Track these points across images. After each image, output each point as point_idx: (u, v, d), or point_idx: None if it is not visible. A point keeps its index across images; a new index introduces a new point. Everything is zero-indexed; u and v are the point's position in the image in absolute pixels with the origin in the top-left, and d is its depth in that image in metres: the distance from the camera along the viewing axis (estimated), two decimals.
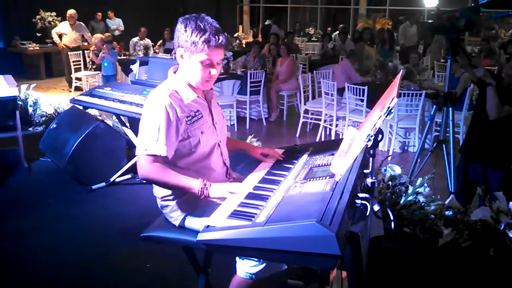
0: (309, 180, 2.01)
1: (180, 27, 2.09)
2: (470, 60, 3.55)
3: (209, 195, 2.05)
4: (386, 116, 1.69)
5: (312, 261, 1.67)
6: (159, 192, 2.28)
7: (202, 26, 2.05)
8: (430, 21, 3.86)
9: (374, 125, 1.73)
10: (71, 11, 10.23)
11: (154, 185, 2.29)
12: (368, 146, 1.78)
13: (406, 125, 6.25)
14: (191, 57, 2.10)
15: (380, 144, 6.44)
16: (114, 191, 4.69)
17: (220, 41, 2.07)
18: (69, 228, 3.91)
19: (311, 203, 1.74)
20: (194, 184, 2.06)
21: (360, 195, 1.83)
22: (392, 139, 6.27)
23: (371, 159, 1.91)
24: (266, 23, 14.80)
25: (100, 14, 12.32)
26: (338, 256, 1.53)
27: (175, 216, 2.24)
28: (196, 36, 2.04)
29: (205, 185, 2.04)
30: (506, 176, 3.66)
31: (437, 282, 2.87)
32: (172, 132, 2.08)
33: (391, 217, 1.88)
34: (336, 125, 6.82)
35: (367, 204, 1.80)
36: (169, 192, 2.23)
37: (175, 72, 2.25)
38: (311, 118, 7.31)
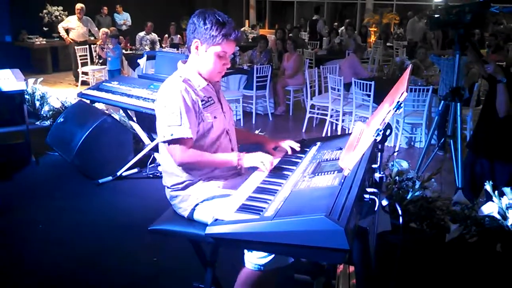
0: (317, 175, 2.01)
1: (197, 20, 2.19)
2: (481, 56, 3.52)
3: (243, 165, 2.22)
4: (396, 111, 1.68)
5: (321, 256, 1.67)
6: (168, 180, 2.32)
7: (221, 20, 2.17)
8: (437, 15, 3.82)
9: (383, 119, 1.73)
10: (79, 5, 10.24)
11: (164, 174, 2.35)
12: (377, 140, 1.77)
13: (413, 120, 6.23)
14: (208, 49, 2.21)
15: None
16: (121, 185, 4.71)
17: (238, 35, 2.22)
18: (76, 222, 3.93)
19: (320, 198, 1.74)
20: (230, 156, 2.24)
21: (369, 189, 1.82)
22: (399, 134, 6.25)
23: (379, 153, 1.91)
24: (314, 18, 14.85)
25: (106, 8, 12.33)
26: (347, 250, 1.53)
27: (184, 206, 2.27)
28: (216, 30, 2.16)
29: (239, 155, 2.20)
30: None
31: (444, 277, 2.87)
32: (192, 114, 2.17)
33: (399, 211, 1.88)
34: (343, 120, 6.81)
35: (376, 199, 1.80)
36: (179, 180, 2.28)
37: (184, 64, 2.34)
38: (318, 113, 7.30)
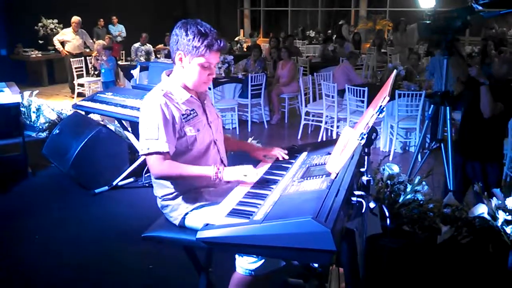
0: (306, 179, 2.05)
1: (180, 31, 2.17)
2: (464, 59, 3.60)
3: (223, 178, 2.14)
4: (379, 115, 1.73)
5: (309, 257, 1.71)
6: (159, 191, 2.34)
7: (203, 31, 2.14)
8: (427, 21, 3.87)
9: (367, 123, 1.77)
10: (76, 18, 10.30)
11: (154, 185, 2.35)
12: (362, 144, 1.81)
13: (407, 125, 6.28)
14: (191, 60, 2.19)
15: (381, 144, 6.54)
16: (116, 194, 4.74)
17: (221, 45, 2.18)
18: (72, 232, 3.96)
19: (308, 201, 1.78)
20: (207, 170, 2.16)
21: (356, 192, 1.86)
22: (393, 139, 6.30)
23: (366, 157, 1.95)
24: (340, 23, 15.03)
25: (102, 20, 12.42)
26: (334, 251, 1.56)
27: (175, 215, 2.30)
28: (199, 40, 2.14)
29: (218, 169, 2.14)
30: (500, 169, 3.77)
31: (436, 278, 2.90)
32: (170, 129, 2.17)
33: (387, 213, 1.92)
34: (337, 127, 6.86)
35: (363, 201, 1.84)
36: (169, 191, 2.30)
37: (168, 75, 2.34)
38: (312, 120, 7.35)
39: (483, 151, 3.73)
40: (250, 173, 2.13)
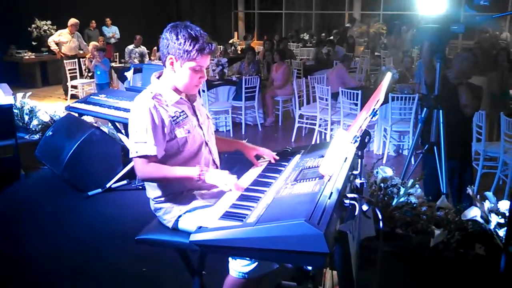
0: (299, 182, 2.05)
1: (170, 35, 2.17)
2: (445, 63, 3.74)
3: (205, 180, 2.14)
4: (372, 118, 1.73)
5: (302, 260, 1.71)
6: (151, 193, 2.33)
7: (194, 35, 2.14)
8: (426, 26, 3.87)
9: (360, 126, 1.78)
10: (73, 21, 10.24)
11: (147, 187, 2.35)
12: (355, 147, 1.82)
13: (400, 128, 6.30)
14: (182, 64, 2.19)
15: (375, 147, 6.55)
16: (110, 197, 4.72)
17: (212, 48, 2.18)
18: (65, 234, 3.94)
19: (301, 203, 1.78)
20: (191, 171, 2.16)
21: (349, 195, 1.86)
22: (387, 142, 6.32)
23: (359, 160, 1.96)
24: (347, 25, 15.16)
25: (94, 22, 12.38)
26: (327, 254, 1.57)
27: (168, 218, 2.29)
28: (190, 45, 2.13)
29: (201, 170, 2.15)
30: (472, 168, 4.03)
31: (429, 281, 2.91)
32: (159, 132, 2.17)
33: (379, 216, 1.92)
34: (331, 129, 6.87)
35: (356, 204, 1.84)
36: (161, 193, 2.30)
37: (158, 77, 2.34)
38: (306, 123, 7.36)
39: (458, 151, 3.82)
40: (230, 185, 2.11)
